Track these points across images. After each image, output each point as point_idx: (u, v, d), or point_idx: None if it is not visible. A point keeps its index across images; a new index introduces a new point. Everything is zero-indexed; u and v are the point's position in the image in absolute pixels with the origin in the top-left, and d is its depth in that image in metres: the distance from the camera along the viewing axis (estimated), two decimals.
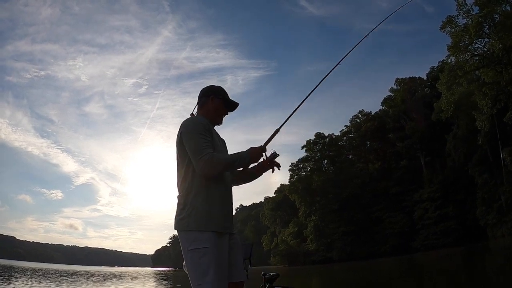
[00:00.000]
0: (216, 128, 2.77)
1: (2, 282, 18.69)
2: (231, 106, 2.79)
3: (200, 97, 2.74)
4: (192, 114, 2.73)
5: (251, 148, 2.55)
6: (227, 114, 2.80)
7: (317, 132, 65.70)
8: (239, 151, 2.53)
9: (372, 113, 62.10)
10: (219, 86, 2.79)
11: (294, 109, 2.90)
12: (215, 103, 2.70)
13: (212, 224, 2.33)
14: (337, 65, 3.23)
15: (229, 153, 2.65)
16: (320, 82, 3.05)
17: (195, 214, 2.34)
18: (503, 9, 28.71)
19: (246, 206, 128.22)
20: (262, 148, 2.58)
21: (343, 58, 3.29)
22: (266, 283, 4.16)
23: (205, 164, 2.31)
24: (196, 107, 2.76)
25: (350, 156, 65.64)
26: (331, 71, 3.18)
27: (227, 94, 2.79)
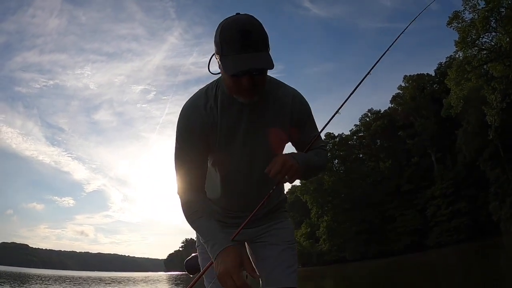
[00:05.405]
0: None
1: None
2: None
3: None
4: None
5: (225, 251, 1.41)
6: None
7: (327, 132, 65.63)
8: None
9: (382, 111, 61.97)
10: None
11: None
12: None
13: None
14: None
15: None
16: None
17: None
18: (510, 2, 28.57)
19: None
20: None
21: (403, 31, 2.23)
22: None
23: None
24: None
25: (361, 155, 65.53)
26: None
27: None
